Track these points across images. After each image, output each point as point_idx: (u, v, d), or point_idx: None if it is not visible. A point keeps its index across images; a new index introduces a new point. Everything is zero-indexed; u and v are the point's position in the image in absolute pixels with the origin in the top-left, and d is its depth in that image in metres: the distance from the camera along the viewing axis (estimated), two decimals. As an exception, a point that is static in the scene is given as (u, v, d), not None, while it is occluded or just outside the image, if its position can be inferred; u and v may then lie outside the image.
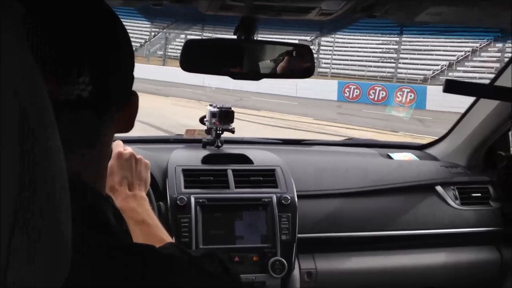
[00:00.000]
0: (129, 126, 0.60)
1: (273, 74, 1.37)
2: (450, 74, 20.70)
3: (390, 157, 1.97)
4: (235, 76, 1.37)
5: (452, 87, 1.04)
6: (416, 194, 1.74)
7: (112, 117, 0.55)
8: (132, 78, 0.59)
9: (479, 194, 1.76)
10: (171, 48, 27.04)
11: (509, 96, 1.20)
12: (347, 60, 24.02)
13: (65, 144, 0.50)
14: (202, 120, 1.82)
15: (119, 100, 0.55)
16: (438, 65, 21.78)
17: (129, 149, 1.06)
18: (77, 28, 0.50)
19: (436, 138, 2.12)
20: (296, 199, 1.56)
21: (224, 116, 1.74)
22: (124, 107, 0.57)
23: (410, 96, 17.70)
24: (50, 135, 0.30)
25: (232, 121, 1.76)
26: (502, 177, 1.53)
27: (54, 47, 0.48)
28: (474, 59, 21.35)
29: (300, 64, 1.31)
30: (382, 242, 1.65)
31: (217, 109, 1.74)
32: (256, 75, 1.35)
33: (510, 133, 1.70)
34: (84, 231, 0.48)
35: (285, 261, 1.47)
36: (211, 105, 1.78)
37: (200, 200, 1.48)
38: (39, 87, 0.30)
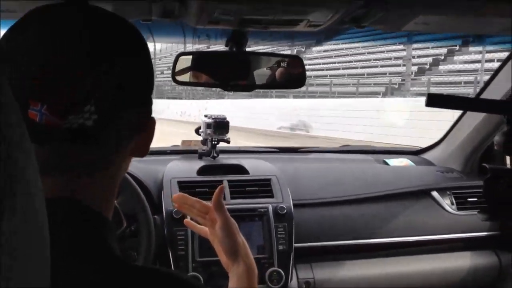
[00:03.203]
0: (143, 152, 0.59)
1: (265, 85, 1.38)
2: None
3: (386, 163, 1.97)
4: (227, 87, 1.37)
5: (435, 101, 1.04)
6: (413, 200, 1.74)
7: (124, 143, 0.55)
8: (148, 104, 0.57)
9: (475, 199, 1.76)
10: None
11: (493, 108, 1.21)
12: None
13: (69, 170, 0.51)
14: (197, 131, 1.83)
15: (132, 127, 0.55)
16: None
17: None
18: (88, 56, 0.50)
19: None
20: (292, 208, 1.56)
21: (219, 127, 1.74)
22: (140, 133, 0.56)
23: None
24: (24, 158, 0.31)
25: (227, 132, 1.76)
26: (486, 189, 1.53)
27: (60, 77, 0.48)
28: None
29: (291, 74, 1.32)
30: (379, 249, 1.64)
31: (212, 120, 1.74)
32: (248, 86, 1.35)
33: (495, 141, 1.71)
34: (85, 254, 0.49)
35: (282, 272, 1.46)
36: (206, 116, 1.79)
37: None
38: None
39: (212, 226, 0.90)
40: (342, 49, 22.80)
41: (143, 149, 0.59)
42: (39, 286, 0.30)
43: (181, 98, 27.70)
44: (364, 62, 21.36)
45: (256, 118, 18.96)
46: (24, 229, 0.29)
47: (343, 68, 21.84)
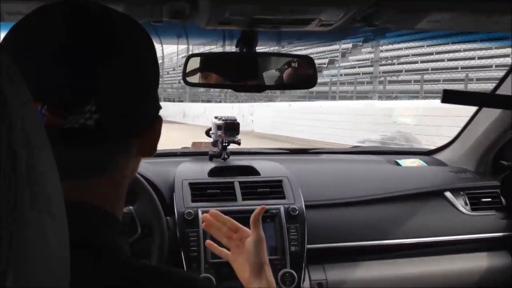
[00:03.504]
0: (151, 151, 0.58)
1: (275, 86, 1.38)
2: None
3: (398, 164, 1.95)
4: (237, 88, 1.37)
5: (450, 97, 1.03)
6: (426, 200, 1.72)
7: (128, 143, 0.54)
8: (153, 104, 0.57)
9: (489, 199, 1.74)
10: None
11: (507, 104, 1.19)
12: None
13: (75, 172, 0.51)
14: (208, 133, 1.83)
15: (136, 126, 0.54)
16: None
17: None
18: (87, 55, 0.49)
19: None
20: (304, 209, 1.55)
21: (230, 128, 1.74)
22: (145, 133, 0.56)
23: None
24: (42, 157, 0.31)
25: (238, 133, 1.76)
26: (504, 187, 1.52)
27: (59, 77, 0.48)
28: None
29: (302, 75, 1.31)
30: (392, 251, 1.63)
31: (222, 121, 1.74)
32: (258, 87, 1.35)
33: None
34: (92, 253, 0.49)
35: (295, 273, 1.45)
36: (216, 118, 1.79)
37: None
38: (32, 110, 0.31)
39: (238, 246, 0.97)
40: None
41: (150, 150, 0.58)
42: (59, 286, 0.30)
43: (219, 101, 23.96)
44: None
45: (326, 127, 13.53)
46: (45, 229, 0.30)
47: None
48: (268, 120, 16.60)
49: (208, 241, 1.04)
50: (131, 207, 1.35)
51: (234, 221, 0.99)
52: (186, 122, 19.41)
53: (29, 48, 0.49)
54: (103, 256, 0.50)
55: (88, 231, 0.51)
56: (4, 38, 0.52)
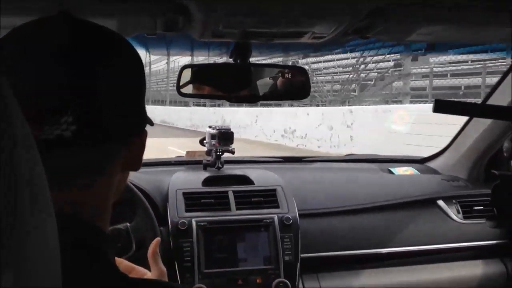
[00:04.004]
0: (135, 166, 0.58)
1: (269, 96, 1.39)
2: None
3: (391, 172, 1.97)
4: (231, 99, 1.38)
5: (441, 106, 1.04)
6: (418, 209, 1.73)
7: (111, 157, 0.54)
8: (137, 115, 0.56)
9: (482, 207, 1.75)
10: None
11: (498, 114, 1.21)
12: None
13: (55, 183, 0.50)
14: (202, 142, 1.83)
15: (117, 139, 0.53)
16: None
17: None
18: (62, 66, 0.49)
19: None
20: (298, 218, 1.56)
21: (224, 138, 1.75)
22: (127, 145, 0.55)
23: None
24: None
25: (231, 142, 1.77)
26: (494, 196, 1.53)
27: (34, 86, 0.48)
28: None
29: (295, 85, 1.33)
30: (386, 259, 1.64)
31: (216, 131, 1.75)
32: (252, 98, 1.36)
33: (504, 148, 1.70)
34: (82, 269, 0.48)
35: (289, 283, 1.46)
36: (210, 127, 1.79)
37: (202, 224, 1.48)
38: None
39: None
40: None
41: (135, 163, 0.57)
42: (52, 286, 0.31)
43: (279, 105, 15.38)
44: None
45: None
46: (45, 229, 0.30)
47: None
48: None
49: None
50: (128, 224, 1.34)
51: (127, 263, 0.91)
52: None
53: (27, 49, 0.50)
54: (100, 256, 0.50)
55: (85, 232, 0.51)
56: None
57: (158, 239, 0.94)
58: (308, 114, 12.33)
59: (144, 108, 0.58)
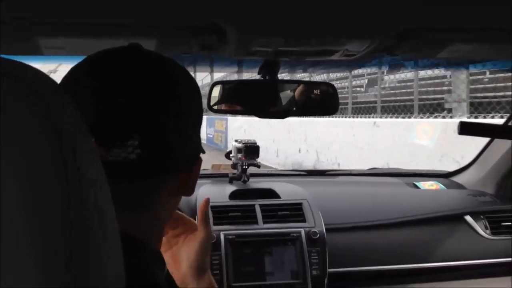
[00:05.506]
0: (189, 191, 0.59)
1: (298, 112, 1.40)
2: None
3: (416, 186, 1.96)
4: (260, 115, 1.40)
5: (467, 129, 1.05)
6: (446, 224, 1.72)
7: (168, 182, 0.55)
8: (195, 143, 0.58)
9: (510, 223, 1.74)
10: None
11: None
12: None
13: (124, 205, 0.52)
14: (228, 155, 1.86)
15: (177, 164, 0.55)
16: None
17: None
18: (131, 94, 0.52)
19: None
20: (325, 233, 1.56)
21: (250, 152, 1.78)
22: (187, 172, 0.56)
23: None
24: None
25: (257, 156, 1.79)
26: None
27: (107, 112, 0.50)
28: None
29: (324, 102, 1.34)
30: (414, 275, 1.63)
31: (243, 145, 1.77)
32: (281, 114, 1.38)
33: None
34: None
35: None
36: (236, 141, 1.82)
37: (230, 237, 1.50)
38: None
39: (174, 236, 0.87)
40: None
41: (188, 188, 0.59)
42: (117, 286, 0.33)
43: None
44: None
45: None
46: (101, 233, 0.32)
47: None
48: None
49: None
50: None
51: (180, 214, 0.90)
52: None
53: (87, 87, 0.52)
54: (149, 277, 0.51)
55: (130, 264, 0.53)
56: (65, 77, 0.55)
57: (207, 198, 0.91)
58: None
59: (200, 137, 0.60)
